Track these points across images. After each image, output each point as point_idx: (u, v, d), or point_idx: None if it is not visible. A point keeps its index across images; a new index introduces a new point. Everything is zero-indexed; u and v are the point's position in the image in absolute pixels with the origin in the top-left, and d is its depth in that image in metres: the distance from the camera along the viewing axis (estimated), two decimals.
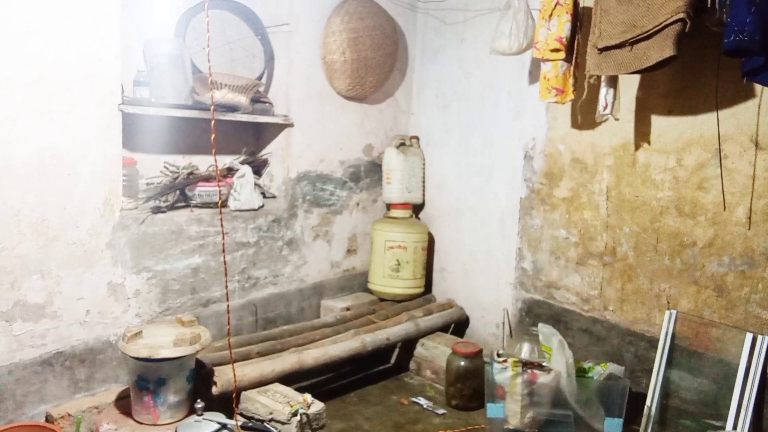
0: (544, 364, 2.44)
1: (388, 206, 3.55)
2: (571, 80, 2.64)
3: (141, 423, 2.15)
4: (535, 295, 3.14)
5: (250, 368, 2.45)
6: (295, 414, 2.23)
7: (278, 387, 2.46)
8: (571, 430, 2.43)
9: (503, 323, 3.10)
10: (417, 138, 3.66)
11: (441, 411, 2.84)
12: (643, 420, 2.48)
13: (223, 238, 2.07)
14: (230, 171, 3.01)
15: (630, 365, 2.69)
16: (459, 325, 3.48)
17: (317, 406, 2.32)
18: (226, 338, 2.50)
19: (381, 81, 3.38)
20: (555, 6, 2.54)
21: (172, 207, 2.73)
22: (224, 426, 2.03)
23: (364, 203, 3.56)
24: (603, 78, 2.46)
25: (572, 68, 2.63)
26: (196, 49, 2.87)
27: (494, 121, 3.29)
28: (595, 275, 2.87)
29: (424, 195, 3.67)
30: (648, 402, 2.48)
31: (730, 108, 2.36)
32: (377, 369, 3.30)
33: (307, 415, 2.26)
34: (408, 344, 3.26)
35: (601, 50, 2.33)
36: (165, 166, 2.88)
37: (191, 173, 2.86)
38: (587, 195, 2.89)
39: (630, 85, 2.65)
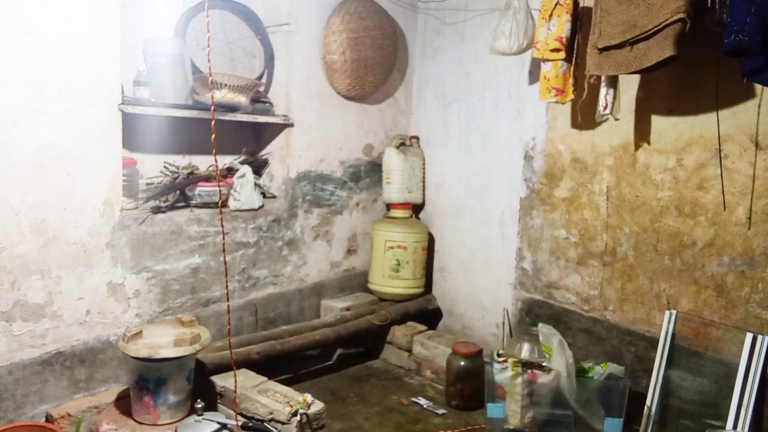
0: (544, 364, 2.44)
1: (388, 206, 3.55)
2: (571, 80, 2.64)
3: (141, 423, 2.15)
4: (535, 295, 3.14)
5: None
6: (295, 414, 2.23)
7: (278, 387, 2.46)
8: (571, 430, 2.43)
9: (503, 323, 3.09)
10: (417, 138, 3.66)
11: (441, 411, 2.84)
12: (643, 420, 2.48)
13: (224, 238, 2.07)
14: (230, 171, 3.01)
15: (630, 365, 2.69)
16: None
17: (317, 406, 2.32)
18: (226, 338, 2.51)
19: (381, 81, 3.38)
20: (555, 6, 2.55)
21: (172, 207, 2.73)
22: (224, 426, 2.02)
23: (364, 203, 3.56)
24: (603, 78, 2.45)
25: (572, 68, 2.63)
26: (196, 49, 2.87)
27: (494, 121, 3.29)
28: (595, 275, 2.86)
29: (424, 195, 3.67)
30: (648, 402, 2.48)
31: (730, 108, 2.36)
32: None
33: (307, 415, 2.26)
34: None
35: (601, 50, 2.33)
36: (165, 166, 2.88)
37: (191, 173, 2.85)
38: (587, 195, 2.89)
39: (630, 85, 2.65)
